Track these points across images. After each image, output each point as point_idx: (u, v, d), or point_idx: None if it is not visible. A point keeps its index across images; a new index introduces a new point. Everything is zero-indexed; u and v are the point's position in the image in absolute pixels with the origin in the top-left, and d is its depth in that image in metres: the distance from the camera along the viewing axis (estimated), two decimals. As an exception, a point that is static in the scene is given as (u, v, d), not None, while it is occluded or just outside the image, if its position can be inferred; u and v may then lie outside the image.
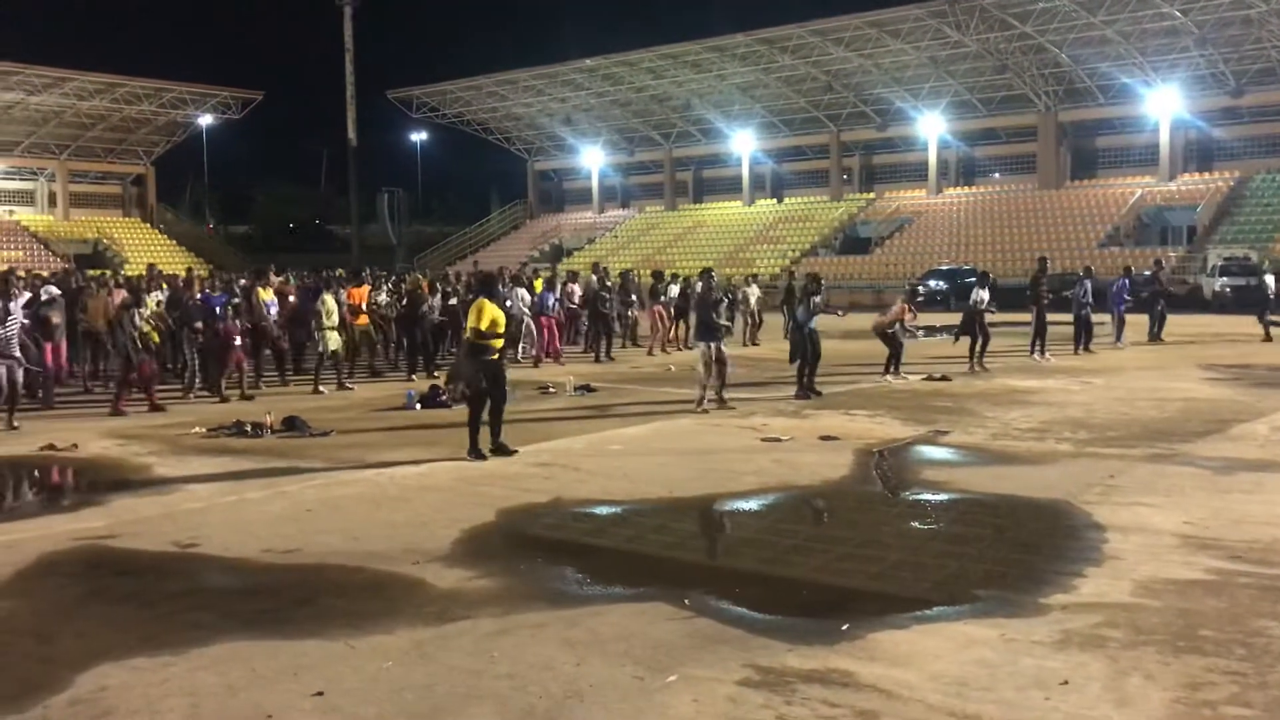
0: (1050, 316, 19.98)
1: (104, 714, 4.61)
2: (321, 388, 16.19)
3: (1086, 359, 20.06)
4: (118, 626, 5.74)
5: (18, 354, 12.87)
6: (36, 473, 10.70)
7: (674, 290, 23.36)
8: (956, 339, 18.72)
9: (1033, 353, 19.67)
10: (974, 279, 21.02)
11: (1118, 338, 22.20)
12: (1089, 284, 21.39)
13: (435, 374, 17.67)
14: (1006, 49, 47.12)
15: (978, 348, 18.12)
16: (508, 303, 18.48)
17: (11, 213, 58.86)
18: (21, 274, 22.81)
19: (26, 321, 13.61)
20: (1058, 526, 7.78)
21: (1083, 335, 21.13)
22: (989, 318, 18.48)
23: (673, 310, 23.08)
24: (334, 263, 36.96)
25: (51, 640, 5.55)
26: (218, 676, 5.00)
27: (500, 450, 10.62)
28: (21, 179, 60.60)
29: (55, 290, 17.03)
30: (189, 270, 23.36)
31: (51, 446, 11.48)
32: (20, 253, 52.16)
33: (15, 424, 12.80)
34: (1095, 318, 21.45)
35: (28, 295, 15.88)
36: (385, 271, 30.38)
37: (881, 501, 8.82)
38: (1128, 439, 11.23)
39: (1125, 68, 46.52)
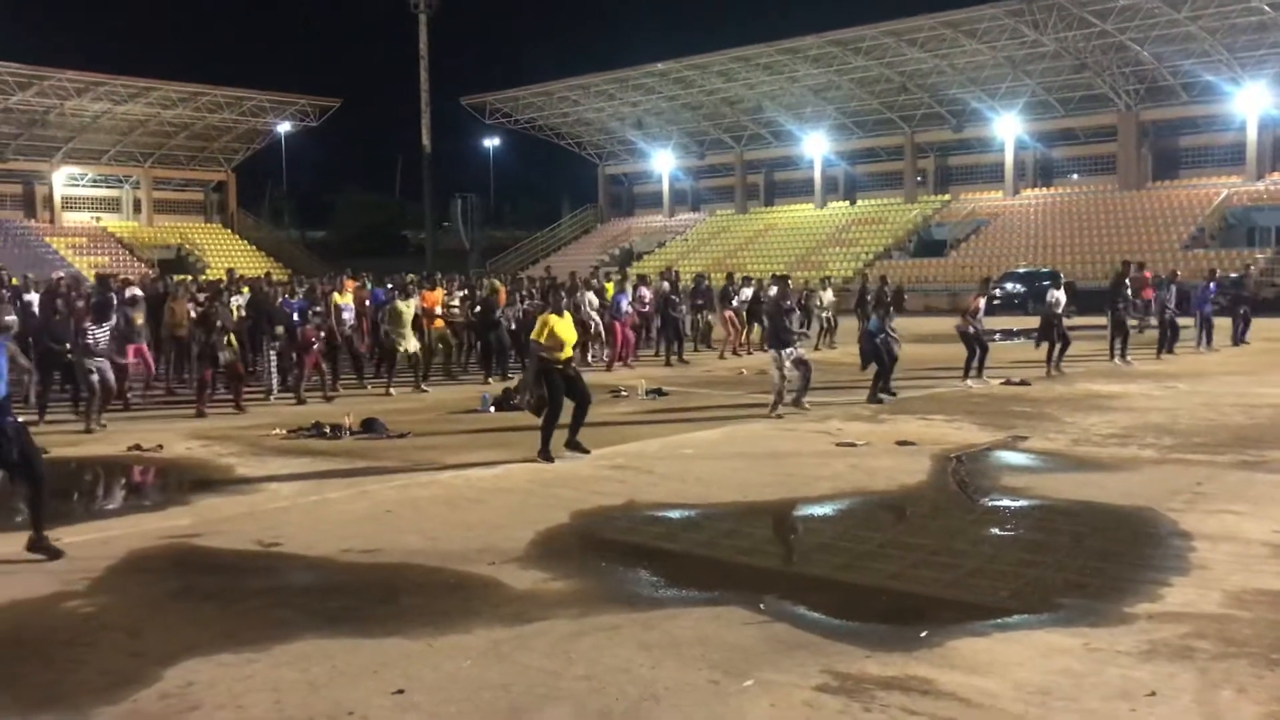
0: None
1: (191, 708, 4.72)
2: (391, 390, 16.46)
3: (1169, 363, 19.58)
4: (203, 622, 5.87)
5: (112, 355, 13.44)
6: (125, 472, 10.99)
7: (746, 293, 23.29)
8: (1038, 344, 18.32)
9: (1112, 357, 19.27)
10: (1049, 282, 20.69)
11: (1200, 342, 21.68)
12: (1175, 288, 20.94)
13: (509, 378, 17.83)
14: (1085, 47, 46.19)
15: (1055, 352, 17.82)
16: (580, 309, 18.62)
17: (98, 219, 60.58)
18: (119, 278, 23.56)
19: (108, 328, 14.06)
20: (1142, 534, 7.60)
21: (1166, 339, 20.67)
22: (1067, 321, 18.13)
23: (744, 314, 23.02)
24: (409, 267, 37.38)
25: (141, 635, 5.70)
26: (300, 673, 5.09)
27: (575, 448, 10.73)
28: (108, 186, 62.29)
29: (138, 291, 17.46)
30: (267, 274, 23.83)
31: (138, 447, 11.79)
32: (106, 258, 53.61)
33: (102, 423, 13.19)
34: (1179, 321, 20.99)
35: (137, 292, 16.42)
36: (460, 277, 30.70)
37: (959, 507, 8.69)
38: (1214, 445, 10.94)
39: (1211, 65, 45.30)
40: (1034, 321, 20.93)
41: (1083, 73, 47.70)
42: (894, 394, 14.87)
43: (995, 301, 18.10)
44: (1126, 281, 19.94)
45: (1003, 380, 16.63)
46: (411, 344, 16.68)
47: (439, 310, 18.82)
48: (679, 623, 5.75)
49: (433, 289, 19.34)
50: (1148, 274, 26.06)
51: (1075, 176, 52.87)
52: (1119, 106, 48.63)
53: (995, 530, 7.94)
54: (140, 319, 15.84)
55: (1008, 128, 51.58)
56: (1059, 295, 18.01)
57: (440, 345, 18.88)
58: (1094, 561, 6.94)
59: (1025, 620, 5.74)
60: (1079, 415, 13.22)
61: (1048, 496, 8.86)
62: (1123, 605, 5.93)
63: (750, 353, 22.51)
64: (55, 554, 7.11)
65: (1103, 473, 9.74)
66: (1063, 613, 5.85)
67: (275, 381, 16.34)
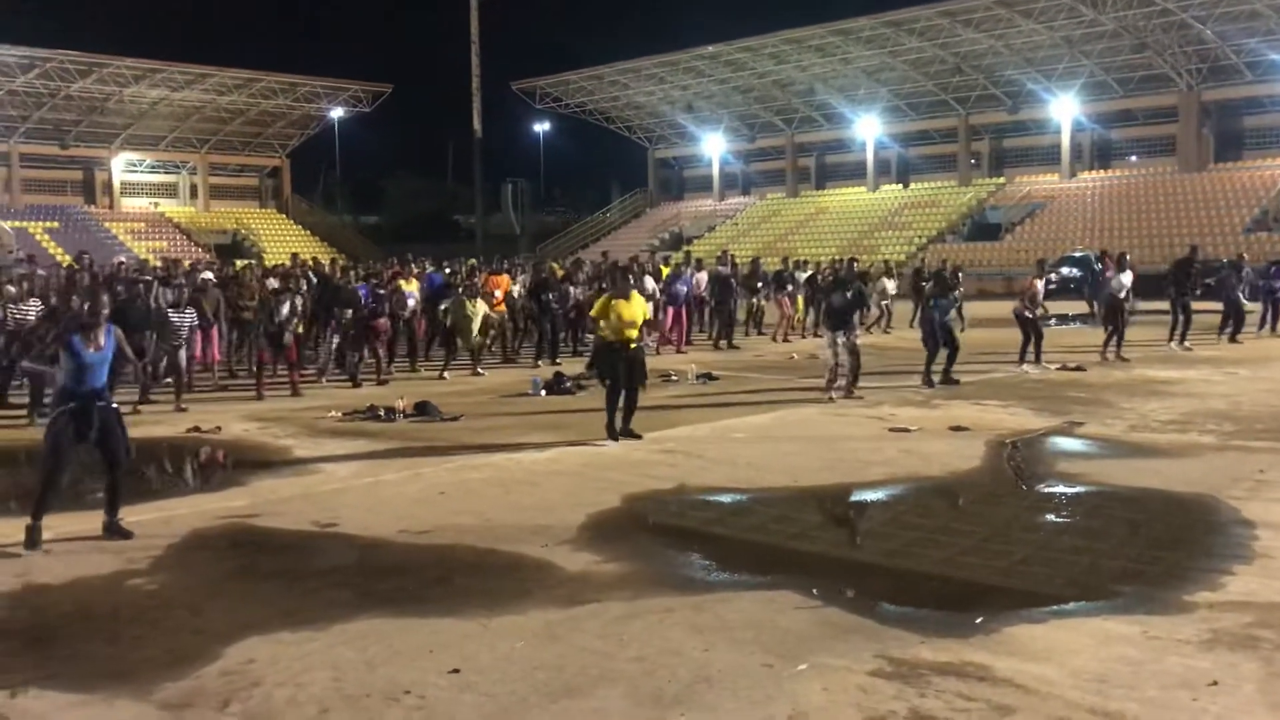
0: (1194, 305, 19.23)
1: (252, 685, 4.81)
2: (446, 374, 16.58)
3: (1229, 349, 19.20)
4: (262, 601, 5.97)
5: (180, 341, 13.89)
6: (184, 453, 11.16)
7: (801, 277, 23.15)
8: (1105, 327, 18.01)
9: (1170, 341, 18.94)
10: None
11: (1264, 325, 21.24)
12: (1243, 271, 20.56)
13: (557, 362, 17.90)
14: (1146, 26, 45.25)
15: (1113, 337, 17.53)
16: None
17: (156, 204, 61.56)
18: (187, 263, 24.08)
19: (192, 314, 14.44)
20: (1202, 522, 7.48)
21: (1230, 324, 20.27)
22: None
23: (799, 298, 22.88)
24: (460, 252, 37.60)
25: (202, 612, 5.81)
26: (357, 652, 5.16)
27: (628, 435, 10.82)
28: (166, 172, 63.24)
29: (210, 275, 17.67)
30: (333, 260, 24.11)
31: (196, 429, 11.99)
32: (164, 243, 54.51)
33: (183, 407, 13.45)
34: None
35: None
36: (520, 261, 30.86)
37: (1014, 494, 8.60)
38: (1278, 432, 10.72)
39: (1276, 43, 44.17)
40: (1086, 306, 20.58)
41: (1143, 52, 46.74)
42: (956, 382, 14.71)
43: (1050, 286, 17.76)
44: (1195, 267, 19.60)
45: (1058, 365, 16.42)
46: (474, 337, 16.81)
47: (498, 293, 18.92)
48: (731, 606, 5.75)
49: (499, 273, 19.74)
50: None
51: (1134, 158, 51.86)
52: (1180, 86, 47.61)
53: (1051, 517, 7.85)
54: (209, 305, 16.04)
55: (1064, 109, 50.70)
56: (1124, 279, 17.69)
57: (495, 329, 18.99)
58: (1152, 549, 6.84)
59: (1082, 607, 5.68)
60: (1137, 401, 13.01)
61: (1104, 483, 8.73)
62: (1183, 593, 5.84)
63: (804, 336, 22.39)
64: (126, 535, 7.28)
65: (1161, 459, 9.59)
66: (1121, 600, 5.78)
67: (330, 363, 16.50)
